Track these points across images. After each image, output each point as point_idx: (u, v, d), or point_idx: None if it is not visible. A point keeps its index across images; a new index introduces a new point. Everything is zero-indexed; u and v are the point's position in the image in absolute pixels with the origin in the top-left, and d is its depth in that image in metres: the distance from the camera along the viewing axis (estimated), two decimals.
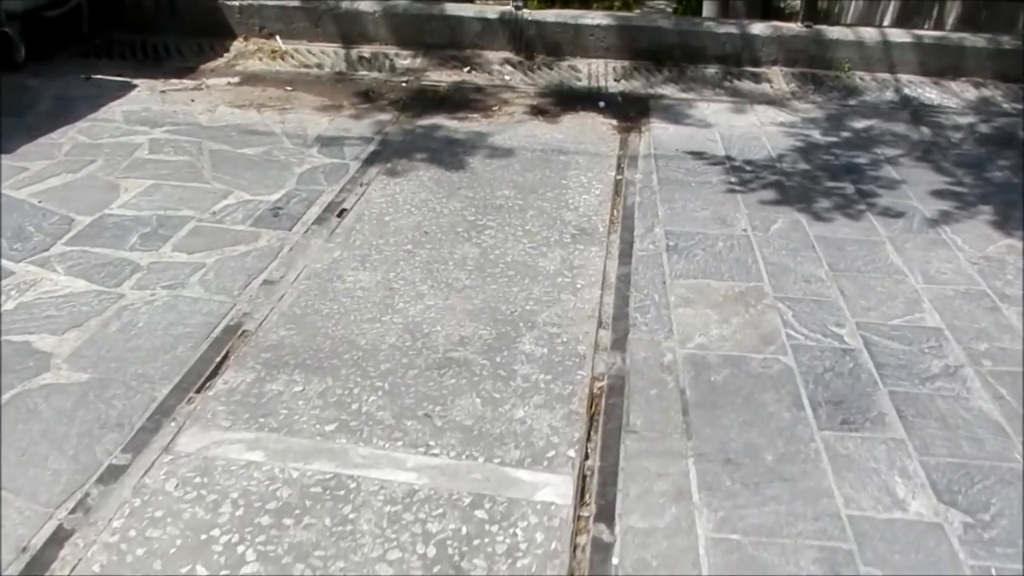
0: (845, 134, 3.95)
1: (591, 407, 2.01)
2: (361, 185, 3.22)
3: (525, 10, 4.73)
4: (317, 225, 2.90)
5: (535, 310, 2.44)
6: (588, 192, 3.26)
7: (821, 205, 3.21)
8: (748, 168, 3.53)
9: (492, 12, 4.74)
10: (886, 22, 7.61)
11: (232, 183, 3.17)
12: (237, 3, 4.77)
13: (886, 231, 3.01)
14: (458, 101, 4.17)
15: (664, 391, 2.06)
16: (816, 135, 3.92)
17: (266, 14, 4.79)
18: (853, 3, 9.38)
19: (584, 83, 4.51)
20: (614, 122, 4.02)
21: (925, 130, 4.03)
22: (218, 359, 2.16)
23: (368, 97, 4.16)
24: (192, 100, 3.98)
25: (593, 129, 3.92)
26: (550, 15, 4.75)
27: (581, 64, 4.71)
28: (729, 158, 3.63)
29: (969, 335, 2.36)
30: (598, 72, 4.64)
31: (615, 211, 3.13)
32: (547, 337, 2.30)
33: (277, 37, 4.79)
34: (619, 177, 3.42)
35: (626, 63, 4.74)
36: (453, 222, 2.96)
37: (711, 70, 4.70)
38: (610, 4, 10.23)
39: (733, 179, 3.41)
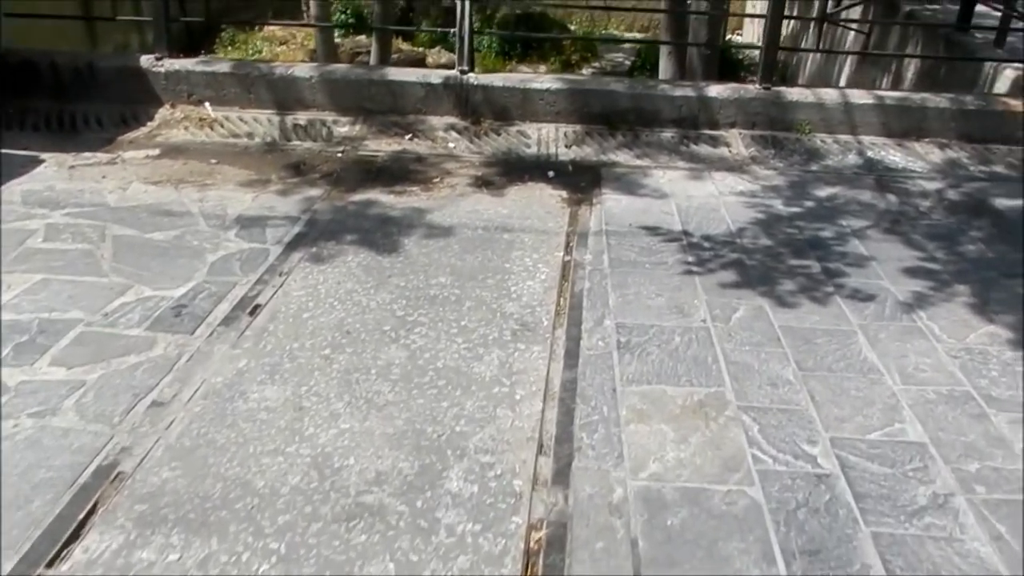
0: (808, 204, 3.72)
1: (527, 570, 1.68)
2: (280, 275, 2.90)
3: (471, 74, 4.49)
4: (224, 327, 2.56)
5: (466, 432, 2.12)
6: (533, 277, 2.97)
7: (786, 288, 2.95)
8: (706, 245, 3.27)
9: (436, 77, 4.49)
10: (843, 79, 7.55)
11: (133, 275, 2.83)
12: (163, 69, 4.47)
13: (857, 318, 2.75)
14: (397, 173, 3.89)
15: (612, 543, 1.74)
16: (778, 205, 3.69)
17: (194, 80, 4.49)
18: (809, 58, 9.37)
19: (533, 150, 4.25)
20: (564, 194, 3.76)
21: (892, 198, 3.82)
22: (81, 516, 1.79)
23: (299, 170, 3.86)
24: (103, 176, 3.64)
25: (541, 202, 3.65)
26: (497, 79, 4.51)
27: (531, 129, 4.47)
28: (686, 233, 3.37)
29: (957, 451, 2.08)
30: (548, 138, 4.39)
31: (562, 300, 2.83)
32: (479, 469, 1.98)
33: (207, 104, 4.49)
34: (567, 258, 3.13)
35: (578, 128, 4.50)
36: (380, 318, 2.65)
37: (667, 134, 4.48)
38: (566, 59, 10.13)
39: (690, 258, 3.15)
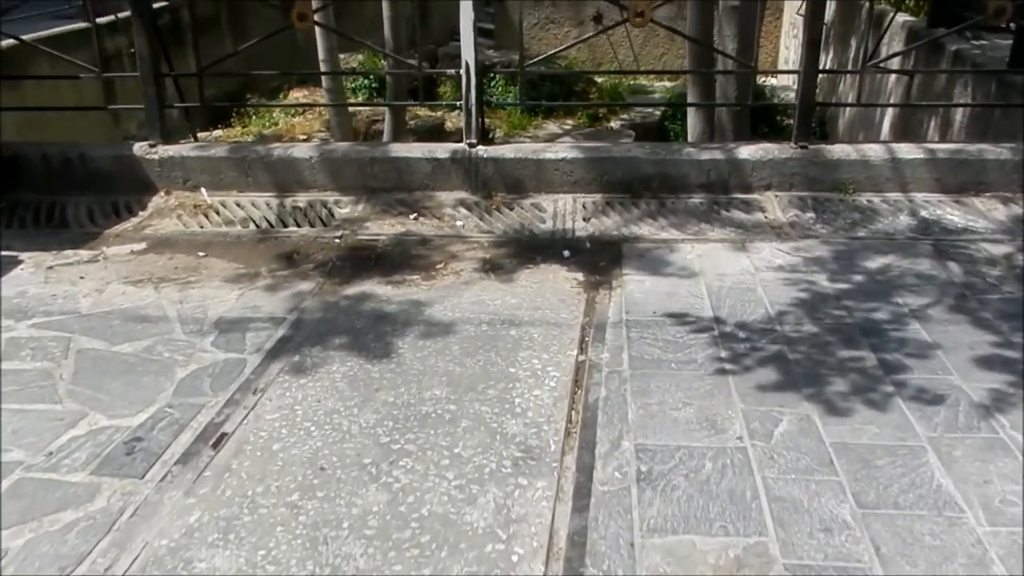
0: (857, 278, 3.29)
1: None
2: (255, 392, 2.57)
3: (480, 147, 4.18)
4: (181, 466, 2.22)
5: None
6: (541, 385, 2.59)
7: (836, 389, 2.52)
8: (741, 335, 2.86)
9: (443, 152, 4.19)
10: (886, 123, 7.11)
11: (90, 401, 2.52)
12: (157, 156, 4.25)
13: (925, 429, 2.31)
14: (397, 259, 3.56)
15: None
16: (823, 281, 3.27)
17: (189, 165, 4.27)
18: (841, 119, 8.96)
19: (548, 225, 3.91)
20: (580, 276, 3.39)
21: (954, 266, 3.37)
22: None
23: (291, 260, 3.56)
24: (81, 277, 3.39)
25: (554, 288, 3.29)
26: (508, 151, 4.20)
27: (546, 201, 4.13)
28: (718, 320, 2.97)
29: None
30: (565, 210, 4.05)
31: (573, 413, 2.45)
32: None
33: (202, 190, 4.25)
34: (582, 358, 2.75)
35: (597, 198, 4.15)
36: (361, 448, 2.29)
37: (695, 200, 4.11)
38: (594, 113, 9.86)
39: (723, 353, 2.74)
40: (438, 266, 3.49)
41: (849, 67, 8.87)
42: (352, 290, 3.28)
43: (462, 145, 4.23)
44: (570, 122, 9.63)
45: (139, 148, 4.28)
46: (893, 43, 7.25)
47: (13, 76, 5.18)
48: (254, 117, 9.54)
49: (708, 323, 2.96)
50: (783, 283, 3.26)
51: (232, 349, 2.83)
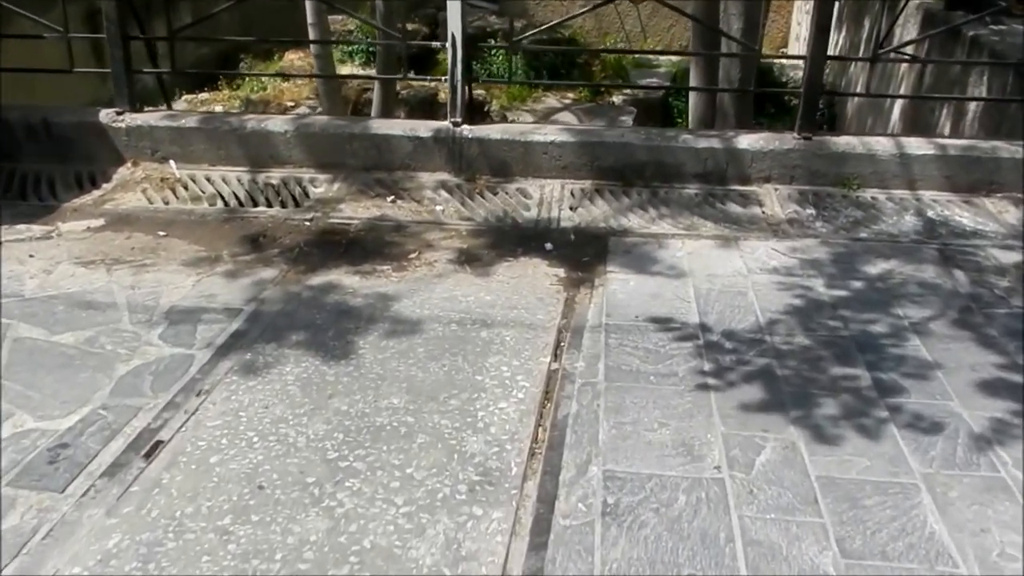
0: (856, 285, 3.08)
1: None
2: (198, 395, 2.38)
3: (465, 127, 3.95)
4: (106, 479, 2.04)
5: None
6: (508, 396, 2.40)
7: (826, 412, 2.33)
8: (728, 345, 2.67)
9: (425, 130, 3.96)
10: (895, 111, 6.85)
11: (19, 399, 2.34)
12: (124, 124, 4.02)
13: (919, 463, 2.12)
14: (369, 246, 3.36)
15: None
16: (819, 287, 3.06)
17: (158, 136, 4.04)
18: (857, 86, 8.66)
19: (532, 213, 3.69)
20: (562, 272, 3.18)
21: (960, 275, 3.16)
22: None
23: (256, 244, 3.35)
24: (31, 255, 3.18)
25: (533, 284, 3.08)
26: (494, 131, 3.96)
27: (532, 187, 3.91)
28: (704, 328, 2.77)
29: None
30: (552, 197, 3.83)
31: (540, 431, 2.26)
32: None
33: (171, 162, 4.03)
34: (555, 366, 2.56)
35: (586, 184, 3.93)
36: (306, 464, 2.10)
37: (690, 190, 3.88)
38: (589, 94, 9.54)
39: (707, 365, 2.55)
40: (411, 256, 3.28)
41: (861, 48, 8.57)
42: (317, 280, 3.08)
43: (446, 123, 3.99)
44: (571, 95, 9.34)
45: (105, 115, 4.04)
46: (908, 25, 6.95)
47: None
48: (247, 79, 9.26)
49: (693, 330, 2.76)
50: (777, 287, 3.06)
51: (180, 343, 2.63)
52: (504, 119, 7.86)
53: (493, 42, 9.94)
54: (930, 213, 3.68)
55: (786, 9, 12.48)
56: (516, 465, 2.11)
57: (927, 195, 3.83)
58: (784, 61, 11.76)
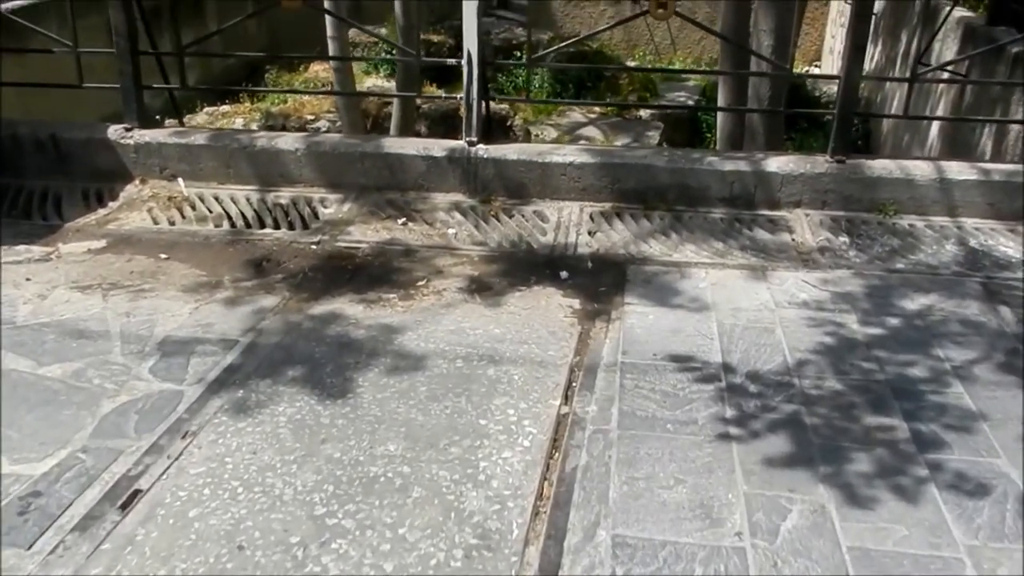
0: (893, 321, 2.88)
1: None
2: (184, 437, 2.24)
3: (480, 146, 3.80)
4: (77, 533, 1.90)
5: None
6: (513, 444, 2.23)
7: (859, 468, 2.14)
8: (752, 389, 2.48)
9: (439, 149, 3.82)
10: (933, 130, 6.59)
11: None
12: (132, 141, 3.93)
13: (963, 533, 1.92)
14: (376, 272, 3.21)
15: None
16: (852, 324, 2.86)
17: (167, 153, 3.94)
18: (895, 96, 8.40)
19: (549, 238, 3.52)
20: (577, 303, 3.01)
21: (1006, 312, 2.94)
22: None
23: (259, 269, 3.22)
24: (28, 278, 3.08)
25: (546, 316, 2.92)
26: (511, 152, 3.80)
27: (550, 209, 3.75)
28: (728, 369, 2.58)
29: None
30: (570, 220, 3.66)
31: (546, 485, 2.09)
32: None
33: (179, 180, 3.93)
34: (565, 410, 2.38)
35: (606, 206, 3.76)
36: (290, 522, 1.95)
37: (715, 215, 3.70)
38: (623, 100, 9.37)
39: (729, 412, 2.36)
40: (419, 283, 3.13)
41: (898, 63, 8.31)
42: (319, 309, 2.93)
43: (461, 143, 3.85)
44: (598, 109, 9.17)
45: (114, 132, 3.95)
46: (948, 40, 6.69)
47: None
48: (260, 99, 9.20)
49: (715, 371, 2.58)
50: (807, 324, 2.86)
51: (171, 378, 2.50)
52: (527, 134, 7.71)
53: (519, 55, 9.81)
54: (972, 242, 3.46)
55: (819, 22, 12.22)
56: (518, 527, 1.94)
57: (969, 223, 3.61)
58: (818, 71, 11.50)
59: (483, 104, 3.86)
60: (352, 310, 2.93)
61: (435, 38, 10.14)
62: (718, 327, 2.84)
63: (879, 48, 9.20)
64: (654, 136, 8.00)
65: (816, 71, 11.15)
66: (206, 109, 7.40)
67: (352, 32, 10.51)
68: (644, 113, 9.19)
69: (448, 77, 10.15)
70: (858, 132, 8.94)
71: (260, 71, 10.28)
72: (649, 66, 10.41)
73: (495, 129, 7.34)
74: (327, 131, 6.77)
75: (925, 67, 4.17)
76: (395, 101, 6.60)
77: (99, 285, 3.05)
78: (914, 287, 3.13)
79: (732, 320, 2.89)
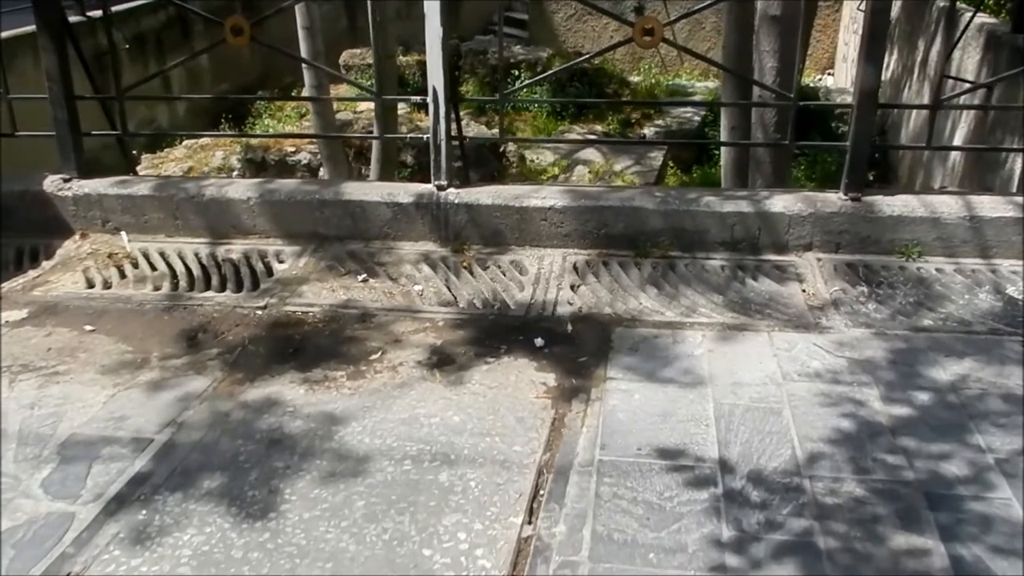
0: (922, 398, 2.45)
1: None
2: None
3: (451, 190, 3.41)
4: None
5: None
6: None
7: None
8: (755, 497, 2.06)
9: (406, 195, 3.43)
10: (957, 142, 6.14)
11: None
12: (71, 192, 3.58)
13: None
14: (326, 343, 2.82)
15: None
16: (873, 401, 2.44)
17: (108, 205, 3.58)
18: (904, 131, 7.95)
19: (526, 293, 3.13)
20: (551, 379, 2.61)
21: None
22: None
23: (194, 341, 2.84)
24: None
25: (515, 397, 2.51)
26: (485, 196, 3.41)
27: (529, 259, 3.35)
28: (725, 467, 2.17)
29: None
30: (550, 273, 3.26)
31: None
32: None
33: (123, 234, 3.57)
34: (528, 531, 1.98)
35: (592, 254, 3.36)
36: None
37: (715, 261, 3.29)
38: (626, 118, 8.96)
39: (727, 534, 1.94)
40: (373, 357, 2.74)
41: (916, 72, 7.87)
42: (254, 393, 2.55)
43: (430, 187, 3.46)
44: (599, 127, 8.78)
45: (50, 183, 3.60)
46: (969, 48, 6.25)
47: None
48: (265, 118, 8.90)
49: (711, 470, 2.16)
50: (819, 402, 2.44)
51: (64, 494, 2.12)
52: (522, 159, 7.31)
53: (517, 73, 9.46)
54: (1010, 290, 3.03)
55: (831, 28, 11.77)
56: None
57: (1005, 265, 3.18)
58: (830, 81, 11.06)
59: (452, 145, 3.47)
60: (292, 394, 2.54)
61: (365, 83, 9.80)
62: (715, 409, 2.42)
63: (895, 56, 8.75)
64: (657, 157, 7.60)
65: (829, 80, 10.69)
66: (185, 143, 7.08)
67: (345, 55, 10.21)
68: (649, 130, 8.79)
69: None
70: (874, 142, 8.49)
71: (249, 99, 10.01)
72: (647, 86, 9.97)
73: (486, 155, 6.98)
74: (307, 164, 6.42)
75: (949, 78, 3.76)
76: (374, 145, 6.18)
77: (8, 368, 2.68)
78: (945, 350, 2.70)
79: (732, 399, 2.47)
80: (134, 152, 6.62)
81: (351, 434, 2.35)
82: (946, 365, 2.61)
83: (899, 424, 2.34)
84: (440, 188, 3.43)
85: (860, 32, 3.37)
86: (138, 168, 6.52)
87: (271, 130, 7.66)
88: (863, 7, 3.76)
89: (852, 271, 3.21)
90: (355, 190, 3.53)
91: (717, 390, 2.52)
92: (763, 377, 2.58)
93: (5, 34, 5.51)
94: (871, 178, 8.04)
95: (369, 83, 6.20)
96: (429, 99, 3.35)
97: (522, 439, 2.32)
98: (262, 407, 2.48)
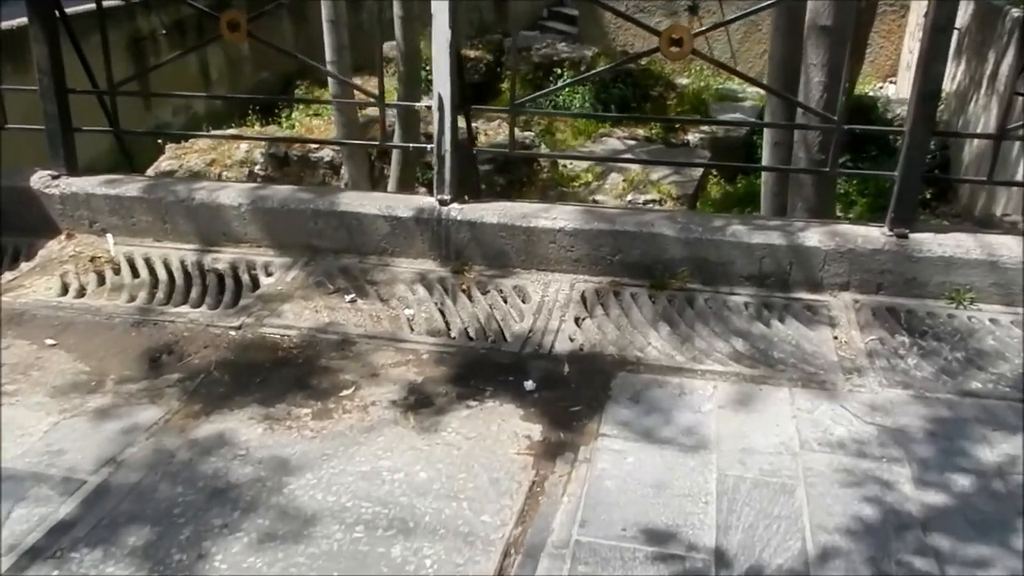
0: (961, 482, 2.10)
1: None
2: None
3: (454, 205, 3.14)
4: None
5: None
6: None
7: None
8: None
9: (405, 209, 3.17)
10: (1016, 190, 5.67)
11: None
12: (58, 191, 3.40)
13: None
14: (297, 372, 2.58)
15: None
16: (904, 484, 2.10)
17: (96, 205, 3.39)
18: (968, 145, 7.43)
19: (525, 324, 2.84)
20: (537, 431, 2.32)
21: None
22: None
23: (156, 364, 2.62)
24: None
25: (492, 453, 2.23)
26: (490, 213, 3.13)
27: (533, 284, 3.06)
28: (721, 560, 1.86)
29: None
30: (555, 301, 2.97)
31: None
32: None
33: (109, 236, 3.38)
34: None
35: (603, 282, 3.06)
36: None
37: (739, 297, 2.96)
38: (662, 131, 8.55)
39: None
40: (344, 393, 2.48)
41: (984, 86, 7.35)
42: (208, 429, 2.31)
43: (431, 201, 3.20)
44: (641, 131, 8.41)
45: (38, 179, 3.43)
46: None
47: None
48: (299, 109, 8.73)
49: (703, 563, 1.86)
50: (840, 481, 2.11)
51: None
52: (554, 165, 7.00)
53: (559, 71, 9.17)
54: None
55: (896, 34, 11.17)
56: None
57: None
58: (891, 91, 10.51)
59: (460, 156, 3.20)
60: (248, 433, 2.30)
61: (472, 54, 9.53)
62: (718, 481, 2.11)
63: (962, 66, 8.21)
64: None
65: (890, 90, 10.14)
66: (212, 131, 6.93)
67: (387, 46, 10.01)
68: (693, 136, 8.40)
69: (486, 94, 9.53)
70: (935, 159, 7.98)
71: (292, 84, 9.88)
72: (695, 90, 9.54)
73: (515, 160, 6.68)
74: (330, 161, 6.22)
75: (1020, 95, 3.36)
76: (393, 154, 5.91)
77: None
78: (995, 422, 2.34)
79: (739, 469, 2.15)
80: (159, 142, 6.51)
81: (303, 488, 2.09)
82: (995, 441, 2.26)
83: (932, 516, 1.99)
84: (442, 203, 3.16)
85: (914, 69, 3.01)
86: (161, 158, 6.40)
87: (297, 123, 7.48)
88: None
89: (893, 317, 2.85)
90: (351, 201, 3.28)
91: (723, 457, 2.20)
92: (777, 444, 2.25)
93: (16, 23, 5.42)
94: (928, 196, 7.55)
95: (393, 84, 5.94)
96: (434, 106, 3.09)
97: (493, 506, 2.04)
98: (212, 447, 2.24)
